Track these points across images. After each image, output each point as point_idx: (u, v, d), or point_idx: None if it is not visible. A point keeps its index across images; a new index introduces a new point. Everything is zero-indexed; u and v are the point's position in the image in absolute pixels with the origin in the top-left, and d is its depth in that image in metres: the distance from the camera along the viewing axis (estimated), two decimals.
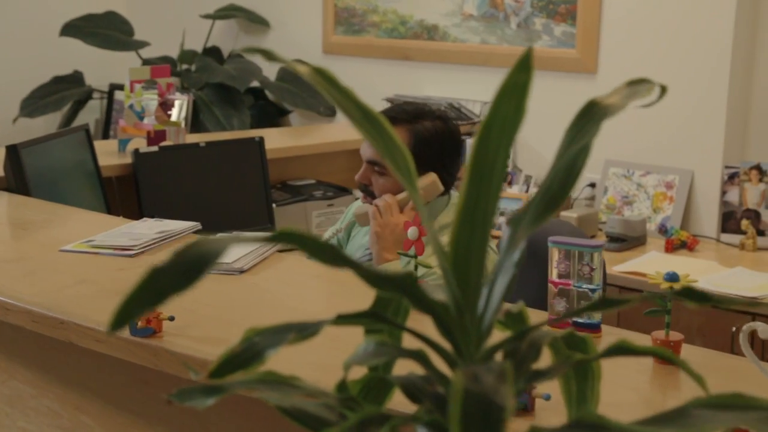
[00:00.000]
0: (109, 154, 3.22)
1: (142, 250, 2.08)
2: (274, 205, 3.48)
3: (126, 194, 3.24)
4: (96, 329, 1.63)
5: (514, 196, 3.84)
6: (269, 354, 0.81)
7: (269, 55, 0.86)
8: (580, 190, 4.03)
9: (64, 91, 5.10)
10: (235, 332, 1.61)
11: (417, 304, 0.81)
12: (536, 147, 4.19)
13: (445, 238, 2.14)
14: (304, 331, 0.81)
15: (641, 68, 3.89)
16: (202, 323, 1.63)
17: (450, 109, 4.23)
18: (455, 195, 2.49)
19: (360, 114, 0.85)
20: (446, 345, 0.82)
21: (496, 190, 0.81)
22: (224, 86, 4.80)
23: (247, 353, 0.82)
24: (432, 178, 2.33)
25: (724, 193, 3.71)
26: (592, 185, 4.04)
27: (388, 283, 0.79)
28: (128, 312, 0.68)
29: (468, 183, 0.81)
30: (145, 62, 5.11)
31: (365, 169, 2.39)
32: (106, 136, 5.10)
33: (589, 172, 4.03)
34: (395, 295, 0.81)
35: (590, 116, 0.89)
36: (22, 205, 2.51)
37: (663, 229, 3.66)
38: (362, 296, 1.83)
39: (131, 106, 3.34)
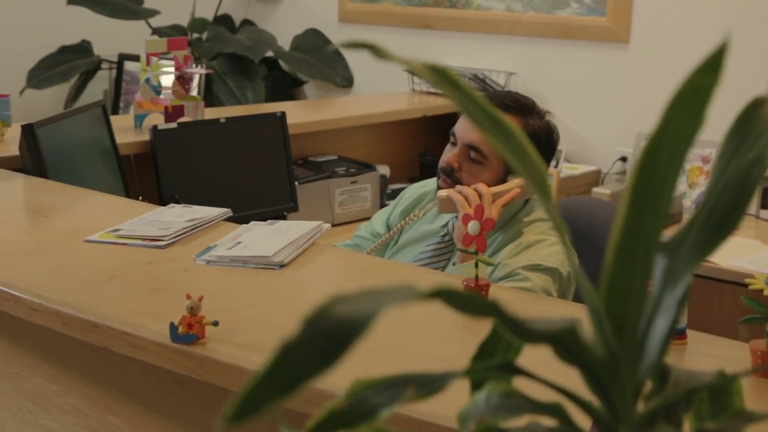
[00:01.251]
0: (124, 131, 3.08)
1: (173, 240, 1.95)
2: (296, 183, 3.34)
3: (144, 173, 3.10)
4: (133, 334, 1.50)
5: None
6: (383, 413, 0.67)
7: (378, 52, 0.72)
8: (611, 165, 3.89)
9: (72, 61, 4.95)
10: (280, 335, 1.48)
11: (566, 356, 0.68)
12: (564, 120, 4.03)
13: (553, 249, 1.94)
14: (427, 387, 0.67)
15: (677, 37, 3.73)
16: (248, 327, 1.50)
17: (475, 80, 4.08)
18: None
19: (486, 119, 0.71)
20: (593, 399, 0.69)
21: (663, 218, 0.67)
22: (237, 56, 4.65)
23: (356, 411, 0.68)
24: None
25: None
26: (624, 159, 3.90)
27: (546, 336, 0.65)
28: (253, 404, 0.55)
29: (628, 207, 0.67)
30: (155, 31, 4.96)
31: (460, 152, 2.19)
32: (115, 107, 4.95)
33: (621, 146, 3.89)
34: (542, 343, 0.67)
35: (758, 118, 0.75)
36: (40, 189, 2.38)
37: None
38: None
39: (147, 80, 3.19)
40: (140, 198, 2.92)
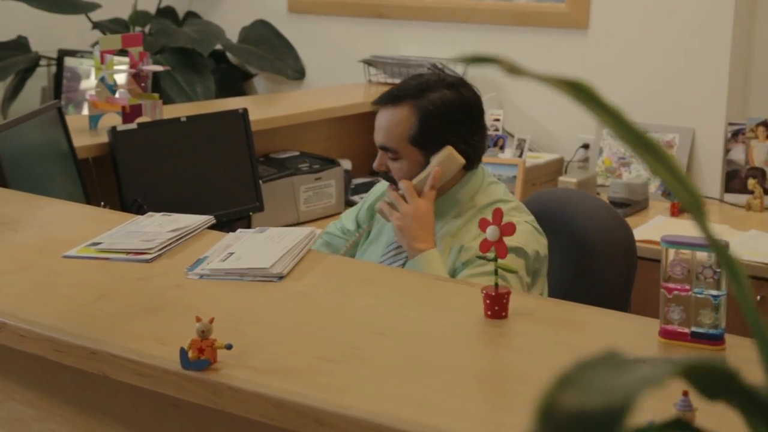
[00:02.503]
0: (79, 133, 2.93)
1: (159, 253, 1.84)
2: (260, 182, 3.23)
3: (102, 176, 2.96)
4: (138, 361, 1.39)
5: (507, 162, 3.64)
6: None
7: (508, 66, 0.63)
8: (573, 153, 3.85)
9: (8, 58, 4.75)
10: (302, 359, 1.40)
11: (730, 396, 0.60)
12: (525, 109, 3.99)
13: (516, 218, 1.90)
14: None
15: (637, 22, 3.70)
16: (260, 349, 1.41)
17: (434, 70, 4.00)
18: (490, 174, 2.30)
19: (633, 138, 0.64)
20: None
21: None
22: (184, 50, 4.51)
23: None
24: (448, 151, 2.15)
25: (727, 151, 3.56)
26: (586, 146, 3.86)
27: (712, 380, 0.58)
28: None
29: None
30: (96, 26, 4.78)
31: (380, 156, 2.22)
32: None
33: (583, 133, 3.85)
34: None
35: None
36: (3, 200, 2.24)
37: (666, 192, 3.51)
38: (423, 299, 1.62)
39: (103, 79, 3.05)
40: (102, 204, 2.78)
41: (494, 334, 1.44)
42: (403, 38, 4.29)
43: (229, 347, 1.36)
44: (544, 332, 1.45)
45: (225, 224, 2.96)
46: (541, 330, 1.46)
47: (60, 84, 4.75)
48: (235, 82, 4.76)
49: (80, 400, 1.70)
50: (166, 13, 4.91)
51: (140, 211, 2.85)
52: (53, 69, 4.95)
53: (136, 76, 3.11)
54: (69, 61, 4.81)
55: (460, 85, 2.23)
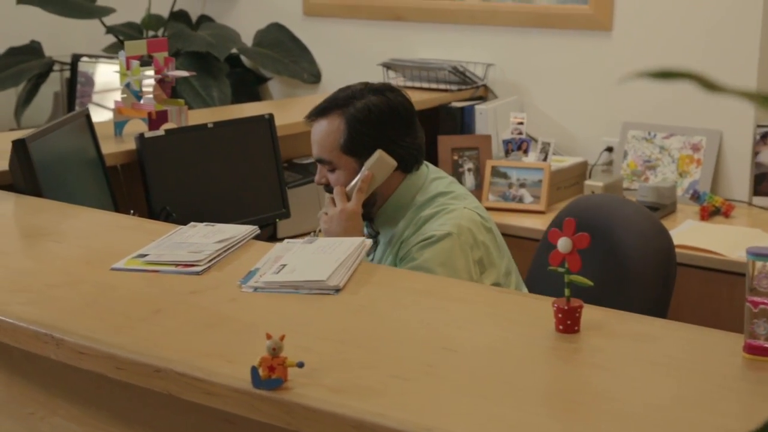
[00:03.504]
0: (105, 140, 2.89)
1: (208, 265, 1.80)
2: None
3: (130, 184, 2.92)
4: (207, 380, 1.35)
5: (532, 166, 3.60)
6: None
7: (704, 83, 0.60)
8: (597, 156, 3.82)
9: (22, 63, 4.71)
10: (375, 377, 1.35)
11: None
12: (547, 112, 3.96)
13: (448, 217, 1.97)
14: None
15: (662, 23, 3.67)
16: (330, 366, 1.37)
17: (454, 73, 3.97)
18: (435, 170, 2.33)
19: None
20: None
21: None
22: (200, 54, 4.47)
23: None
24: (377, 155, 2.21)
25: (756, 153, 3.53)
26: (610, 149, 3.83)
27: None
28: None
29: None
30: (109, 30, 4.75)
31: (319, 170, 2.32)
32: (71, 110, 4.72)
33: (606, 136, 3.82)
34: None
35: None
36: (41, 211, 2.20)
37: (695, 195, 3.47)
38: (487, 312, 1.59)
39: (128, 85, 3.01)
40: (132, 212, 2.74)
41: (570, 350, 1.41)
42: (421, 41, 4.25)
43: (300, 365, 1.32)
44: (621, 347, 1.42)
45: None
46: (617, 345, 1.43)
47: (74, 89, 4.71)
48: (249, 86, 4.72)
49: (129, 417, 1.66)
50: (179, 16, 4.87)
51: (168, 218, 2.82)
52: (66, 74, 4.91)
53: (161, 82, 3.07)
54: (83, 66, 4.77)
55: (386, 90, 2.29)
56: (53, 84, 4.96)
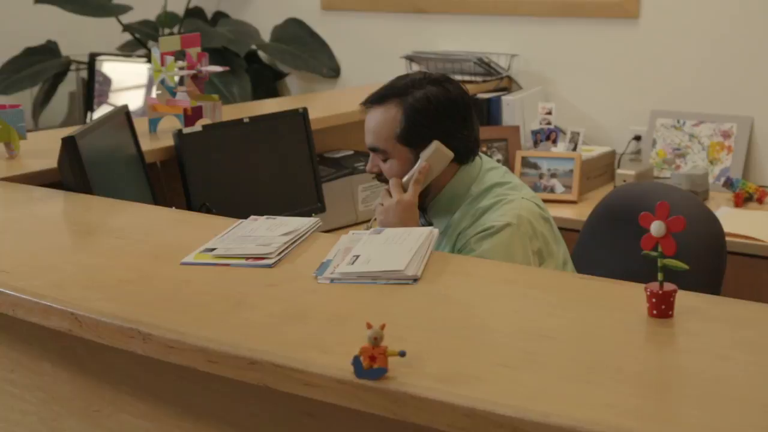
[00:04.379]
0: (141, 137, 2.86)
1: (279, 257, 1.78)
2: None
3: (168, 180, 2.90)
4: (304, 370, 1.33)
5: (561, 156, 3.59)
6: None
7: None
8: (625, 145, 3.80)
9: (39, 63, 4.68)
10: (478, 365, 1.34)
11: None
12: (573, 102, 3.95)
13: (507, 207, 1.95)
14: None
15: (689, 10, 3.66)
16: (429, 355, 1.35)
17: (479, 64, 3.95)
18: (488, 160, 2.32)
19: None
20: None
21: None
22: (218, 51, 4.44)
23: None
24: (435, 146, 2.19)
25: None
26: (638, 138, 3.82)
27: None
28: None
29: None
30: (126, 28, 4.72)
31: (372, 158, 2.29)
32: (89, 109, 4.70)
33: (634, 125, 3.81)
34: None
35: None
36: (93, 208, 2.18)
37: (728, 182, 3.46)
38: (576, 299, 1.57)
39: (163, 81, 2.98)
40: (173, 209, 2.72)
41: (667, 335, 1.39)
42: (443, 33, 4.24)
43: (402, 354, 1.30)
44: (720, 331, 1.40)
45: None
46: (715, 329, 1.41)
47: (92, 88, 4.68)
48: (268, 82, 4.70)
49: (200, 410, 1.64)
50: (195, 13, 4.85)
51: (208, 214, 2.79)
52: (82, 74, 4.88)
53: (194, 78, 3.04)
54: (100, 65, 4.74)
55: (445, 81, 2.25)
56: (70, 84, 4.93)
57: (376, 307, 1.55)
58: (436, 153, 2.17)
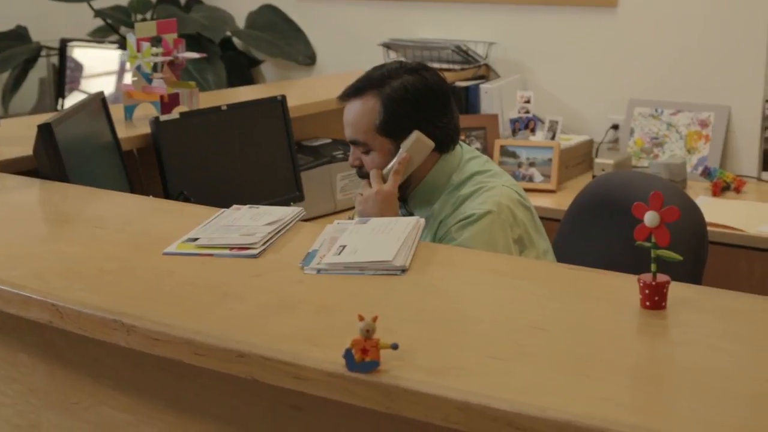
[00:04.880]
0: (116, 124, 2.81)
1: (264, 247, 1.75)
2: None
3: (145, 168, 2.86)
4: (295, 363, 1.30)
5: (540, 144, 3.58)
6: None
7: None
8: (604, 134, 3.80)
9: (8, 49, 4.60)
10: (469, 357, 1.32)
11: None
12: (551, 90, 3.94)
13: (487, 195, 1.91)
14: None
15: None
16: (421, 348, 1.33)
17: (457, 52, 3.93)
18: (468, 149, 2.30)
19: None
20: None
21: None
22: (192, 37, 4.38)
23: None
24: (415, 136, 2.16)
25: (765, 128, 3.53)
26: (615, 127, 3.81)
27: None
28: None
29: None
30: (98, 13, 4.65)
31: (352, 152, 2.25)
32: (60, 96, 4.63)
33: (612, 113, 3.80)
34: None
35: None
36: (71, 196, 2.14)
37: (706, 171, 3.46)
38: (566, 290, 1.55)
39: (139, 68, 2.94)
40: (151, 197, 2.67)
41: (660, 327, 1.38)
42: (421, 20, 4.21)
43: (395, 347, 1.28)
44: (712, 322, 1.39)
45: None
46: (707, 320, 1.40)
47: (63, 75, 4.61)
48: (243, 69, 4.66)
49: (184, 403, 1.61)
50: None
51: (186, 203, 2.76)
52: (53, 59, 4.81)
53: (171, 64, 3.00)
54: (71, 51, 4.67)
55: (421, 69, 2.23)
56: (40, 70, 4.86)
57: (364, 299, 1.53)
58: (416, 143, 2.15)
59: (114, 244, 1.81)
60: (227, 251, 1.74)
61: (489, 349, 1.32)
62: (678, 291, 1.45)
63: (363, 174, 2.24)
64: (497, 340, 1.35)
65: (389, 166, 2.18)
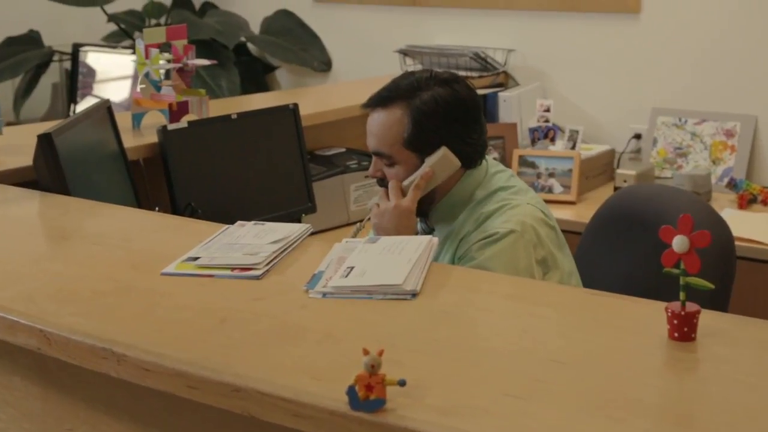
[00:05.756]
0: (123, 133, 2.72)
1: (267, 268, 1.66)
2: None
3: (152, 179, 2.77)
4: (294, 400, 1.21)
5: (560, 155, 3.47)
6: None
7: None
8: (626, 143, 3.69)
9: (21, 53, 4.54)
10: (484, 395, 1.21)
11: None
12: (571, 98, 3.83)
13: (511, 213, 1.81)
14: None
15: (693, 5, 3.54)
16: (432, 383, 1.23)
17: (475, 59, 3.83)
18: (494, 163, 2.18)
19: None
20: None
21: None
22: (206, 43, 4.31)
23: None
24: (442, 152, 2.05)
25: None
26: (638, 136, 3.70)
27: None
28: None
29: None
30: (111, 18, 4.58)
31: (374, 162, 2.13)
32: (72, 101, 4.56)
33: (634, 123, 3.70)
34: None
35: None
36: (71, 210, 2.05)
37: (732, 183, 3.35)
38: (587, 318, 1.45)
39: (147, 75, 2.85)
40: (156, 209, 2.59)
41: (690, 361, 1.28)
42: (439, 27, 4.11)
43: (402, 383, 1.18)
44: (746, 356, 1.29)
45: None
46: (741, 354, 1.30)
47: (75, 80, 4.54)
48: (257, 75, 4.58)
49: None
50: (182, 3, 4.71)
51: (194, 215, 2.67)
52: (66, 64, 4.74)
53: (180, 71, 2.91)
54: (83, 56, 4.60)
55: (453, 81, 2.11)
56: (53, 75, 4.79)
57: (371, 326, 1.43)
58: (442, 159, 2.05)
59: (111, 263, 1.72)
60: (229, 272, 1.64)
61: (505, 386, 1.22)
62: (707, 319, 1.35)
63: (385, 185, 2.13)
64: (514, 376, 1.25)
65: (410, 178, 2.08)
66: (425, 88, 2.05)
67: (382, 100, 2.08)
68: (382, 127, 2.06)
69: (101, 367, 1.38)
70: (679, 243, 1.32)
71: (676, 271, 1.33)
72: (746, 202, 3.27)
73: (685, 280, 1.32)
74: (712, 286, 1.32)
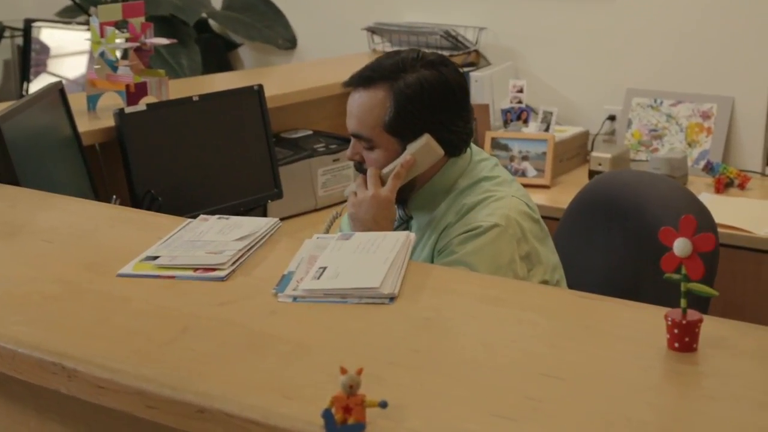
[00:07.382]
0: (78, 116, 2.58)
1: (233, 268, 1.54)
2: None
3: (110, 165, 2.64)
4: (263, 423, 1.10)
5: (534, 137, 3.37)
6: None
7: None
8: (599, 125, 3.60)
9: None
10: (473, 416, 1.10)
11: None
12: (544, 78, 3.73)
13: (495, 206, 1.73)
14: None
15: None
16: (413, 401, 1.12)
17: (446, 37, 3.71)
18: (478, 150, 2.07)
19: None
20: None
21: None
22: (166, 19, 4.15)
23: None
24: (424, 140, 1.94)
25: None
26: (612, 118, 3.61)
27: None
28: None
29: None
30: None
31: (353, 145, 2.01)
32: (25, 79, 4.39)
33: (609, 104, 3.60)
34: None
35: None
36: (20, 202, 1.92)
37: (708, 166, 3.27)
38: (580, 325, 1.35)
39: (103, 54, 2.71)
40: (114, 198, 2.46)
41: (692, 374, 1.18)
42: (407, 3, 3.98)
43: (384, 405, 1.08)
44: (753, 369, 1.19)
45: (241, 215, 2.67)
46: (747, 366, 1.20)
47: (28, 57, 4.37)
48: (219, 52, 4.42)
49: None
50: None
51: (153, 203, 2.55)
52: (18, 41, 4.56)
53: (138, 51, 2.77)
54: (36, 32, 4.42)
55: (440, 64, 1.99)
56: (4, 51, 4.61)
57: (347, 336, 1.32)
58: (424, 147, 1.94)
59: (62, 262, 1.59)
60: (191, 273, 1.53)
61: (494, 405, 1.12)
62: (707, 326, 1.25)
63: (363, 169, 2.02)
64: (504, 393, 1.14)
65: (390, 167, 1.96)
66: (410, 69, 1.94)
67: (364, 79, 1.96)
68: (363, 108, 1.95)
69: (50, 383, 1.26)
70: (681, 246, 1.22)
71: (677, 276, 1.23)
72: (723, 186, 3.20)
73: (686, 286, 1.22)
74: (716, 293, 1.22)
